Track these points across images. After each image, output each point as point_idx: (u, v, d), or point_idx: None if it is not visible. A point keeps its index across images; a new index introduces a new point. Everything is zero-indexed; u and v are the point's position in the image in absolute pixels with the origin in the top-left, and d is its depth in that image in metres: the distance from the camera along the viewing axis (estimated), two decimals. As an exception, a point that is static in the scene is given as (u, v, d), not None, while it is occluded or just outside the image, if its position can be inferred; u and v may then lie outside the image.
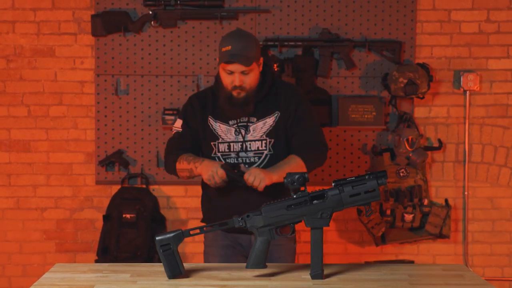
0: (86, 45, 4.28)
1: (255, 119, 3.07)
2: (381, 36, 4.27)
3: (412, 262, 4.28)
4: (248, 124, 3.07)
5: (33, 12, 4.26)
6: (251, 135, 3.06)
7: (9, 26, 4.27)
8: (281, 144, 3.07)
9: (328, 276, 2.25)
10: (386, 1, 4.26)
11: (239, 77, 2.99)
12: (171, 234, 2.22)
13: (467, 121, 4.31)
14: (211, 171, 2.91)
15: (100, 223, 4.26)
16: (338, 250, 4.37)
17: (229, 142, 3.07)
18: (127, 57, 4.26)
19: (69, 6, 4.26)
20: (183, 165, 3.05)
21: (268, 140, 3.06)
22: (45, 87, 4.30)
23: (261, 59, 3.07)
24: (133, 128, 4.29)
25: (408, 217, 4.19)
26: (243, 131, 3.06)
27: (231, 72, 2.99)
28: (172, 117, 4.16)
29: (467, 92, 4.30)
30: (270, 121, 3.07)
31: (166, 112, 4.20)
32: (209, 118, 3.11)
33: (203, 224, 3.09)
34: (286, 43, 4.21)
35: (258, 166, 3.03)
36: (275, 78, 3.18)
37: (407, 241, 4.31)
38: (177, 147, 3.12)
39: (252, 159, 3.05)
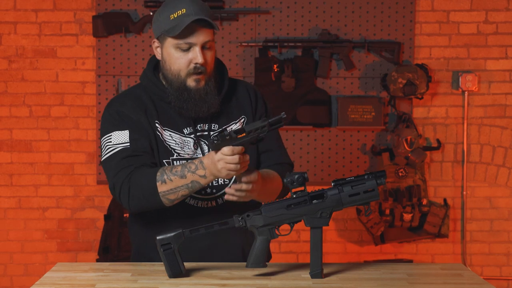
0: (87, 46, 4.30)
1: (217, 125, 2.35)
2: (380, 37, 4.29)
3: (411, 261, 4.30)
4: (210, 133, 2.32)
5: (34, 13, 4.28)
6: None
7: (11, 27, 4.29)
8: (252, 158, 2.28)
9: (327, 275, 2.27)
10: (385, 2, 4.28)
11: (201, 52, 2.20)
12: (172, 234, 2.23)
13: (465, 121, 4.33)
14: (223, 161, 2.10)
15: (101, 223, 4.28)
16: (337, 249, 4.39)
17: (187, 159, 2.26)
18: (128, 58, 4.28)
19: (70, 7, 4.28)
20: (174, 182, 2.17)
21: None
22: (46, 87, 4.32)
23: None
24: (134, 128, 4.30)
25: (407, 216, 4.21)
26: (204, 144, 2.31)
27: (188, 48, 2.21)
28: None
29: (466, 92, 4.32)
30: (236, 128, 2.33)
31: (167, 112, 4.21)
32: (156, 125, 2.28)
33: None
34: (285, 44, 4.23)
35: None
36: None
37: (406, 241, 4.33)
38: (138, 165, 2.21)
39: (220, 180, 2.33)
